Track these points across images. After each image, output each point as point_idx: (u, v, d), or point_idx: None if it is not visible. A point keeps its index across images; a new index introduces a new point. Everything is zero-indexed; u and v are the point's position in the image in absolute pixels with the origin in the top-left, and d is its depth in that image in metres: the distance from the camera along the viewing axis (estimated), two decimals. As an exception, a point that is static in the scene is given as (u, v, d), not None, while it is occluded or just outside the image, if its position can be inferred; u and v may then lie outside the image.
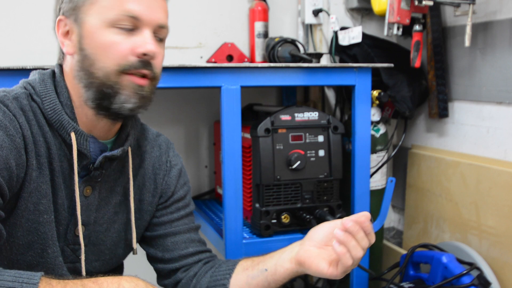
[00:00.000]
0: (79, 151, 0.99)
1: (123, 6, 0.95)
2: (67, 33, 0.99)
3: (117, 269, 1.19)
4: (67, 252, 1.03)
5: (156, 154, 1.19)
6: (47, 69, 1.05)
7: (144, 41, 0.96)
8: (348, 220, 0.99)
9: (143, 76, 0.98)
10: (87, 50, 0.96)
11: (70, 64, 1.01)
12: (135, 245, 1.13)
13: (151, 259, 1.21)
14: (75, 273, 1.05)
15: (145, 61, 0.97)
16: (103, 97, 0.96)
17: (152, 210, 1.18)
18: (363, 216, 0.99)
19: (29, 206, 0.95)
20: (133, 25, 0.96)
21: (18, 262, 0.97)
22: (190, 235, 1.20)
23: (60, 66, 1.04)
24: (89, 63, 0.96)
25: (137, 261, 1.31)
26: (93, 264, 1.09)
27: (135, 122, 1.12)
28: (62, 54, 1.03)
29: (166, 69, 1.43)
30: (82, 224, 1.03)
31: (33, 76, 1.04)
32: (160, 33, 1.01)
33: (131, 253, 1.17)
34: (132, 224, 1.11)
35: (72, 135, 0.98)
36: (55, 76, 1.02)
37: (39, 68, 1.07)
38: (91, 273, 1.08)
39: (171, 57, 1.95)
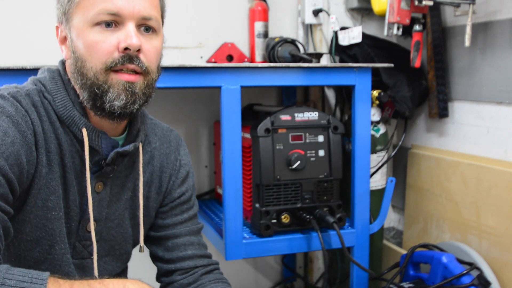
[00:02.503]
0: (91, 147, 1.00)
1: (101, 3, 0.94)
2: (64, 39, 1.00)
3: (121, 272, 1.19)
4: (78, 248, 1.04)
5: (166, 151, 1.18)
6: (51, 67, 1.06)
7: (126, 35, 0.94)
8: None
9: (135, 72, 0.96)
10: (77, 52, 0.96)
11: (69, 67, 1.02)
12: (142, 242, 1.13)
13: (153, 256, 1.22)
14: (83, 271, 1.05)
15: (130, 55, 0.95)
16: (95, 97, 0.96)
17: (156, 207, 1.18)
18: None
19: (37, 203, 0.95)
20: (115, 21, 0.95)
21: (26, 258, 0.97)
22: (191, 238, 1.20)
23: (63, 64, 1.04)
24: (81, 65, 0.96)
25: (140, 261, 1.32)
26: (103, 259, 1.10)
27: (144, 117, 1.12)
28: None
29: (166, 69, 1.43)
30: (94, 220, 1.04)
31: (42, 73, 1.04)
32: (148, 24, 0.98)
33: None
34: (140, 222, 1.12)
35: (84, 131, 0.98)
36: (62, 76, 1.03)
37: (38, 68, 1.07)
38: (102, 269, 1.09)
39: (171, 57, 1.95)
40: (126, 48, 0.94)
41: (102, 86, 0.95)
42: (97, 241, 1.05)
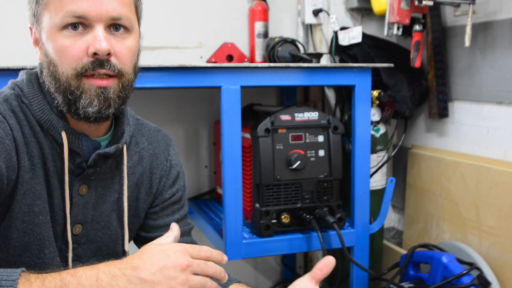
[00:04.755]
0: (71, 150, 0.98)
1: (66, 7, 0.90)
2: (37, 41, 0.98)
3: None
4: (64, 251, 1.03)
5: (154, 152, 1.16)
6: (34, 68, 1.04)
7: (94, 39, 0.90)
8: (317, 271, 1.02)
9: (108, 76, 0.93)
10: (49, 56, 0.94)
11: (44, 70, 0.99)
12: (127, 246, 1.11)
13: None
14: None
15: (100, 60, 0.91)
16: (69, 102, 0.94)
17: (146, 208, 1.17)
18: (328, 263, 1.02)
19: (23, 208, 0.94)
20: (83, 24, 0.91)
21: (16, 264, 0.96)
22: (183, 239, 1.19)
23: (41, 68, 1.01)
24: (53, 69, 0.94)
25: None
26: (91, 260, 1.08)
27: (127, 119, 1.10)
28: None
29: (166, 69, 1.44)
30: (79, 223, 1.03)
31: (20, 76, 1.02)
32: (119, 23, 0.94)
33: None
34: (124, 225, 1.10)
35: (63, 134, 0.97)
36: (39, 78, 1.01)
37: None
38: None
39: (171, 57, 1.95)
40: (95, 53, 0.90)
41: (74, 92, 0.92)
42: (84, 243, 1.05)
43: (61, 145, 0.98)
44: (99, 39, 0.90)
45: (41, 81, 1.00)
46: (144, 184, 1.14)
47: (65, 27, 0.91)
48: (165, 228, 1.15)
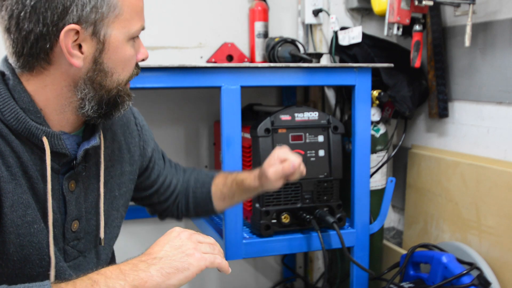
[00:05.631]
0: (56, 152, 0.95)
1: (142, 18, 0.97)
2: (78, 44, 0.90)
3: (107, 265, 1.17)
4: (69, 250, 1.03)
5: (124, 121, 1.17)
6: None
7: (141, 47, 1.01)
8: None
9: None
10: (106, 64, 0.93)
11: (62, 73, 0.93)
12: (102, 234, 1.07)
13: (152, 209, 1.35)
14: (78, 270, 1.04)
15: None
16: (112, 106, 0.98)
17: (134, 178, 1.18)
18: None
19: (16, 221, 0.91)
20: None
21: (18, 276, 0.94)
22: (170, 170, 1.33)
23: (10, 66, 0.94)
24: (104, 76, 0.94)
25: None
26: (93, 251, 1.08)
27: None
28: (20, 56, 0.91)
29: (166, 69, 1.44)
30: (76, 219, 1.02)
31: None
32: None
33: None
34: (100, 212, 1.07)
35: (44, 140, 0.93)
36: (6, 80, 0.93)
37: None
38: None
39: (171, 57, 1.95)
40: (142, 60, 1.01)
41: (122, 96, 0.99)
42: (83, 237, 1.04)
43: (43, 150, 0.94)
44: (144, 47, 1.01)
45: (10, 84, 0.92)
46: (124, 157, 1.14)
47: (134, 37, 0.97)
48: (159, 177, 1.29)
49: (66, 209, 1.00)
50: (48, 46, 0.89)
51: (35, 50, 0.89)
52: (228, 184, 1.31)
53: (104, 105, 0.96)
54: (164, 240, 0.90)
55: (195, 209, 1.35)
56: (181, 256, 0.87)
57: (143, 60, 1.01)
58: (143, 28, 0.98)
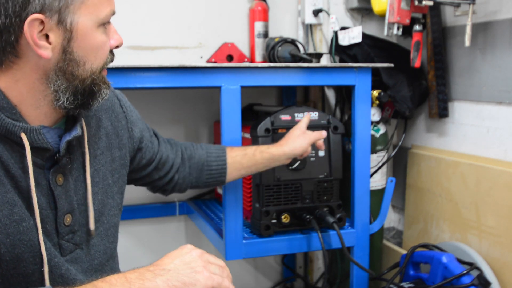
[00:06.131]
0: (37, 147, 0.93)
1: (111, 3, 0.94)
2: (45, 35, 0.88)
3: (111, 258, 1.15)
4: (64, 245, 1.00)
5: (108, 106, 1.13)
6: None
7: (114, 33, 0.98)
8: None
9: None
10: (76, 53, 0.91)
11: (32, 66, 0.90)
12: (93, 225, 1.05)
13: (152, 188, 1.36)
14: (76, 263, 1.02)
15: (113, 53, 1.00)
16: (88, 95, 0.95)
17: (125, 163, 1.16)
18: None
19: (3, 221, 0.89)
20: None
21: (13, 276, 0.93)
22: (165, 146, 1.33)
23: None
24: (75, 66, 0.92)
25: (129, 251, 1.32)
26: (91, 243, 1.06)
27: None
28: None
29: (166, 69, 1.44)
30: (68, 212, 1.00)
31: None
32: None
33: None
34: (89, 203, 1.04)
35: (23, 136, 0.90)
36: None
37: None
38: (94, 252, 1.07)
39: (171, 57, 1.95)
40: (117, 46, 0.98)
41: (98, 84, 0.96)
42: (78, 230, 1.02)
43: (23, 147, 0.91)
44: (118, 34, 0.98)
45: None
46: (113, 143, 1.12)
47: (104, 23, 0.94)
48: (155, 154, 1.29)
49: (56, 203, 0.98)
50: (13, 38, 0.86)
51: (1, 44, 0.87)
52: (249, 154, 1.39)
53: (80, 95, 0.94)
54: (175, 254, 0.90)
55: (207, 180, 1.40)
56: (189, 272, 0.87)
57: (117, 47, 0.97)
58: (113, 13, 0.95)
